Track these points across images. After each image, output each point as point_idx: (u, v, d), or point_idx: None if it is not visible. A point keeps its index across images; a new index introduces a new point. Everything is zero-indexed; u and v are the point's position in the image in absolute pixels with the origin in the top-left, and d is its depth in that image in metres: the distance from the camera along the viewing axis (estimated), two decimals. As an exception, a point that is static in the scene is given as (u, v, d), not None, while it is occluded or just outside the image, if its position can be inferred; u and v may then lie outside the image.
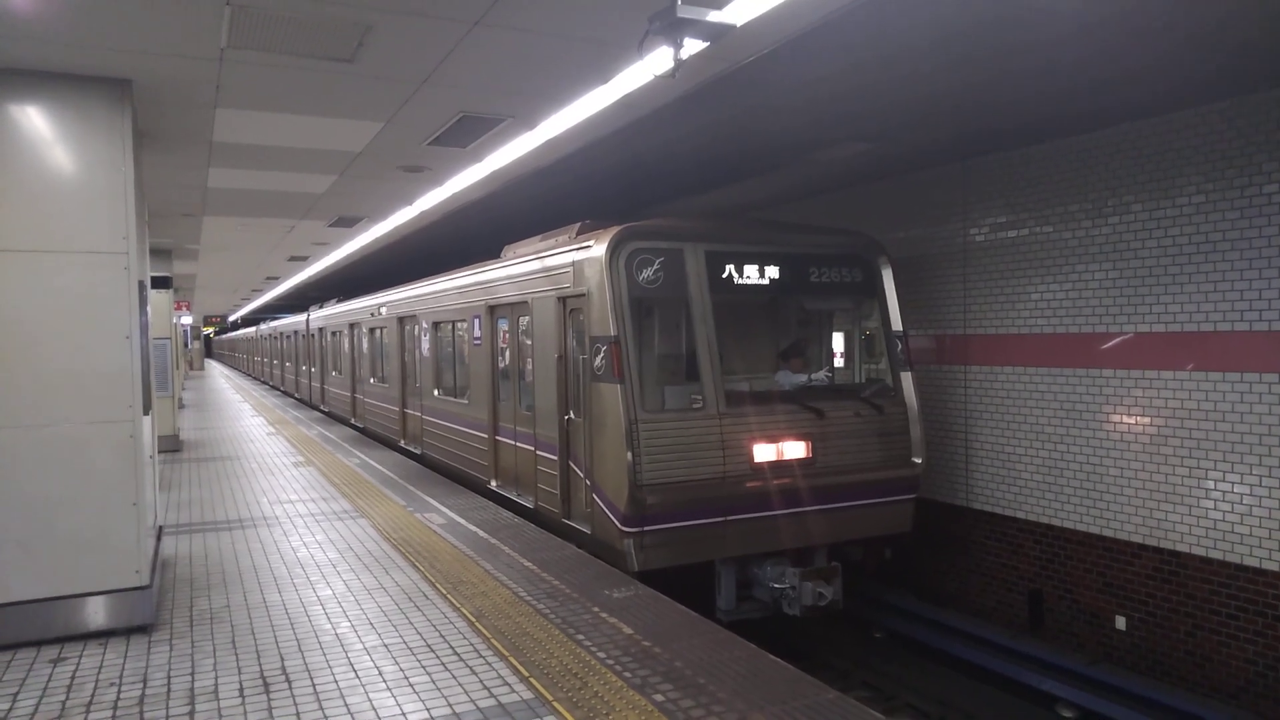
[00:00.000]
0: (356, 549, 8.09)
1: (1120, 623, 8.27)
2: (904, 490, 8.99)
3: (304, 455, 14.74)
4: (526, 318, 9.91)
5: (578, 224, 9.17)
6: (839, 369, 10.26)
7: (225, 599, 6.64)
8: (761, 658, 5.28)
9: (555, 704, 4.65)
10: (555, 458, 9.13)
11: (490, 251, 11.82)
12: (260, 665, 5.29)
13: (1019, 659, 8.60)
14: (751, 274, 8.60)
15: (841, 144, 8.92)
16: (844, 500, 8.51)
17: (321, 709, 4.66)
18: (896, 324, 9.23)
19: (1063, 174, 8.64)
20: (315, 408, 25.43)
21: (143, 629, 5.93)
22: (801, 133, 8.57)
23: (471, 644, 5.58)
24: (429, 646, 5.54)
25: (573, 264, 8.57)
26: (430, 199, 10.76)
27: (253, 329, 50.81)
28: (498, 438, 11.06)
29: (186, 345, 37.38)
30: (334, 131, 7.47)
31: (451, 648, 5.52)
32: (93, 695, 4.91)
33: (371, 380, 18.45)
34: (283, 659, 5.38)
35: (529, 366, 9.97)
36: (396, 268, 21.02)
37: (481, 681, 4.98)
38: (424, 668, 5.20)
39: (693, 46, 4.93)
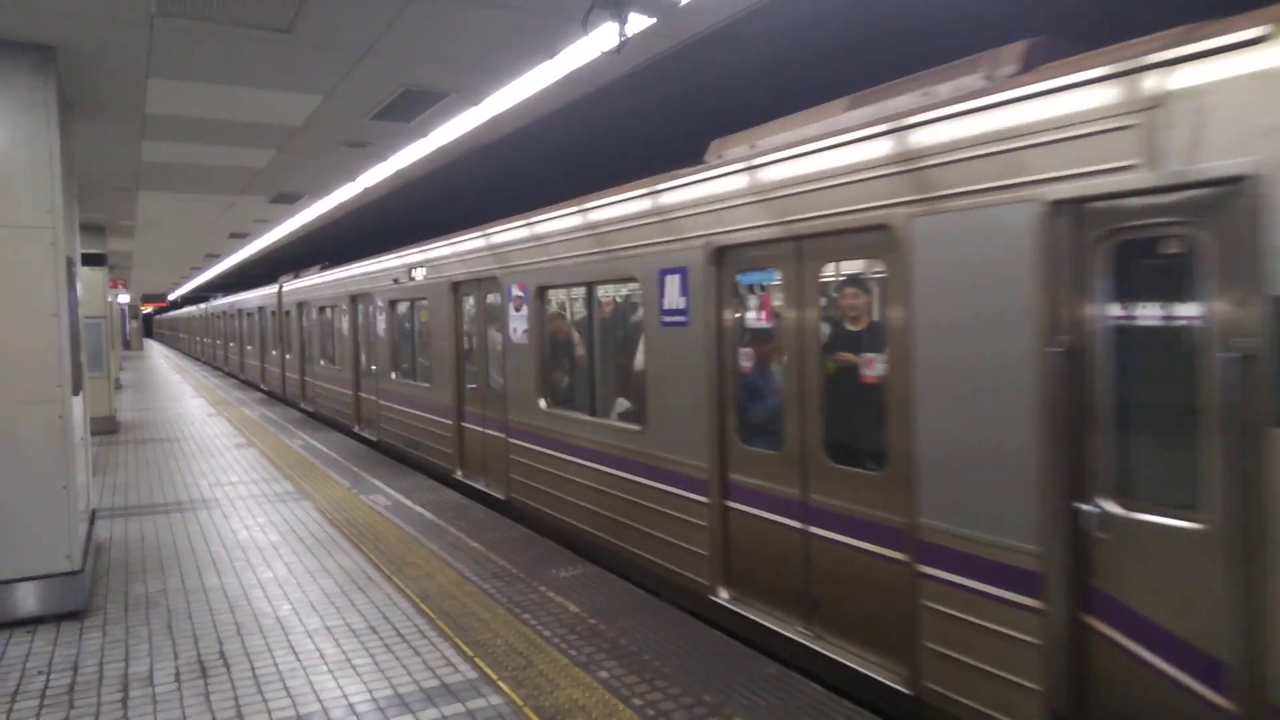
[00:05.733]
0: (299, 531, 7.96)
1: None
2: None
3: (245, 437, 14.45)
4: (894, 262, 4.48)
5: (1021, 43, 4.34)
6: None
7: (162, 583, 6.48)
8: (706, 634, 5.33)
9: (499, 683, 4.64)
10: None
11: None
12: (198, 650, 5.18)
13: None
14: None
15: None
16: None
17: (261, 693, 4.59)
18: None
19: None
20: (293, 405, 20.00)
21: (74, 615, 5.77)
22: (747, 112, 8.58)
23: (416, 625, 5.53)
24: (372, 629, 5.48)
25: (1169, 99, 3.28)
26: (374, 175, 10.56)
27: (200, 306, 44.80)
28: (809, 531, 5.16)
29: (124, 325, 36.35)
30: (273, 104, 7.26)
31: (395, 629, 5.46)
32: (19, 685, 4.76)
33: (394, 375, 12.78)
34: (221, 643, 5.28)
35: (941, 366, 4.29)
36: (347, 245, 20.58)
37: (425, 662, 4.94)
38: (367, 650, 5.14)
39: (638, 23, 4.90)
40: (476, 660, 4.95)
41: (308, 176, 10.81)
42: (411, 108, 7.33)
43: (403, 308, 12.58)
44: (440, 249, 10.66)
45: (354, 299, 14.70)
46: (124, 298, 31.26)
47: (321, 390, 17.60)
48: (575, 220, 7.48)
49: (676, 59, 6.13)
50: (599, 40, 5.06)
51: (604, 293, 8.01)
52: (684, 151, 10.17)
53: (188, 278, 36.72)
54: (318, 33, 5.53)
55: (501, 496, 9.17)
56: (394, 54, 5.97)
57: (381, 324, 13.15)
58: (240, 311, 28.72)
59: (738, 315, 5.83)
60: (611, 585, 6.31)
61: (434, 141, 8.57)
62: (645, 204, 6.54)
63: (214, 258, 24.98)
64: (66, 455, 5.74)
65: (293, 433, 14.94)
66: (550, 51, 5.92)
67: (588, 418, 7.66)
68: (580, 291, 8.29)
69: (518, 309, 8.69)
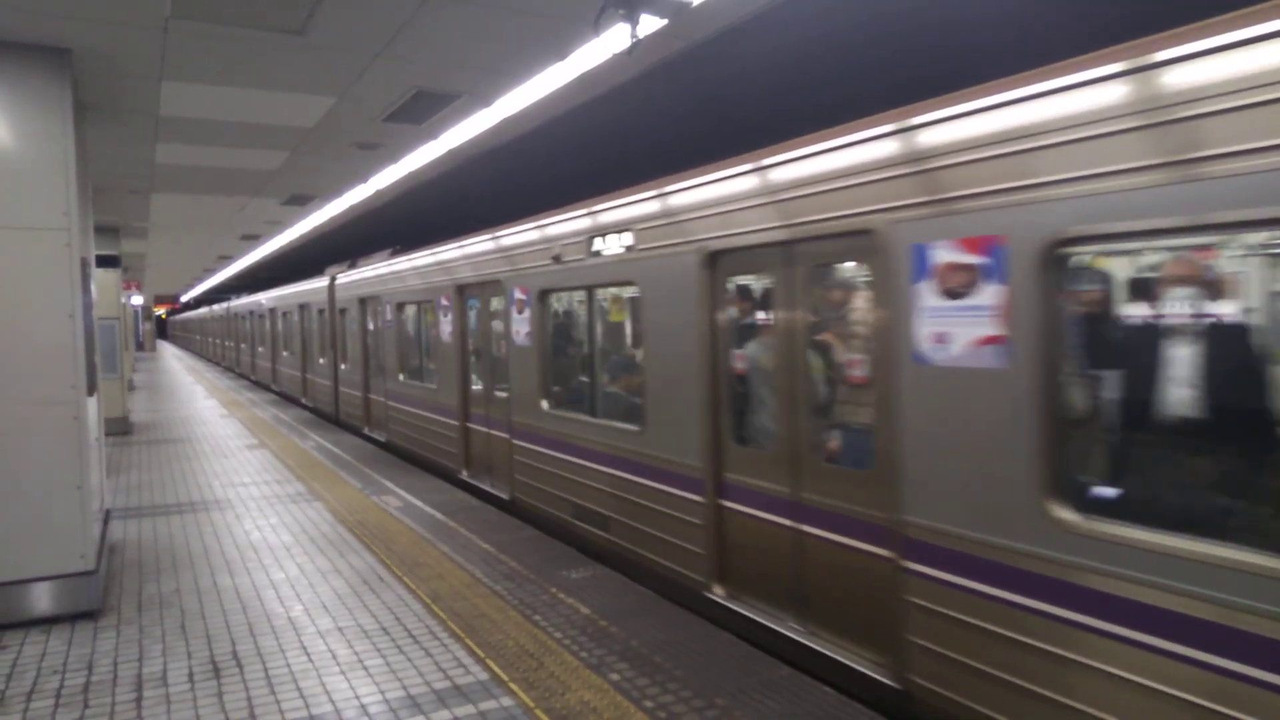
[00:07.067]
0: (311, 532, 7.98)
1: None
2: None
3: (257, 438, 14.51)
4: None
5: None
6: None
7: (175, 583, 6.51)
8: (716, 636, 5.31)
9: (511, 684, 4.64)
10: None
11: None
12: (211, 650, 5.20)
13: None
14: None
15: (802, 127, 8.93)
16: None
17: (273, 693, 4.59)
18: None
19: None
20: (353, 430, 15.54)
21: (89, 615, 5.80)
22: (760, 114, 8.57)
23: (427, 626, 5.53)
24: (384, 629, 5.49)
25: None
26: (385, 177, 10.59)
27: (222, 305, 39.32)
28: None
29: (138, 327, 36.43)
30: (285, 106, 7.29)
31: (407, 630, 5.47)
32: (34, 684, 4.79)
33: (547, 405, 8.26)
34: (234, 643, 5.30)
35: None
36: (356, 246, 20.56)
37: (437, 664, 4.95)
38: (379, 651, 5.15)
39: (650, 24, 4.89)
40: (488, 662, 4.95)
41: (320, 178, 10.85)
42: (423, 110, 7.34)
43: (566, 301, 8.78)
44: (674, 196, 6.08)
45: (462, 290, 10.34)
46: (137, 299, 31.46)
47: (400, 416, 12.87)
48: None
49: (688, 59, 6.12)
50: (610, 42, 5.06)
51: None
52: (696, 151, 10.17)
53: (200, 279, 36.89)
54: (330, 35, 5.55)
55: (898, 688, 4.39)
56: (406, 56, 5.98)
57: (523, 326, 8.52)
58: (273, 311, 23.48)
59: None
60: (622, 587, 6.30)
61: (445, 143, 8.59)
62: None
63: (226, 259, 25.10)
64: (81, 455, 5.77)
65: (304, 434, 14.99)
66: (562, 53, 5.92)
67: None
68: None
69: (953, 292, 4.01)
